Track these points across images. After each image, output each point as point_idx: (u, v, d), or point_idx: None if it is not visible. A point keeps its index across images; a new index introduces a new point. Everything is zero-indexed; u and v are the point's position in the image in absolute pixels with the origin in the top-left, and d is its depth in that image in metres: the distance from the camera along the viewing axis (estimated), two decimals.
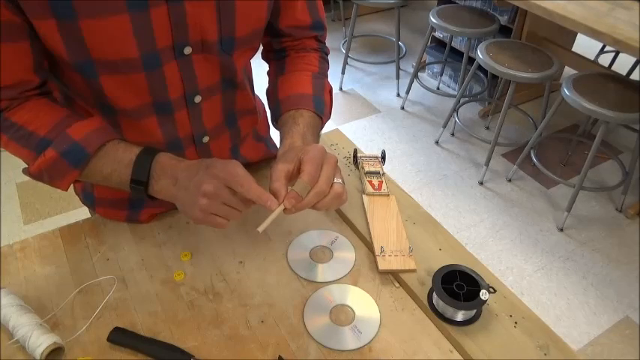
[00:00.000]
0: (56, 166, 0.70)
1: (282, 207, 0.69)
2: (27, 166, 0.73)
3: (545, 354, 0.74)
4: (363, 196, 0.99)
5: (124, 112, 0.77)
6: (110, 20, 0.63)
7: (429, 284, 0.82)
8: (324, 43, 0.94)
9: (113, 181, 0.73)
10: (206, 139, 0.88)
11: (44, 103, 0.72)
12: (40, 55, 0.68)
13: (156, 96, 0.76)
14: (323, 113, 0.86)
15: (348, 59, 3.14)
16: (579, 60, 2.63)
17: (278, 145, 0.82)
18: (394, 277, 0.85)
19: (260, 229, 0.69)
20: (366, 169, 1.03)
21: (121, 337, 0.73)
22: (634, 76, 2.90)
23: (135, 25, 0.65)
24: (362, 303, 0.81)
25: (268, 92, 0.92)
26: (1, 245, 0.88)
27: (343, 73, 3.16)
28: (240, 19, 0.74)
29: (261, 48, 0.93)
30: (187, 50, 0.72)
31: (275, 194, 0.69)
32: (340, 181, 0.72)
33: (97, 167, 0.72)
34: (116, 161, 0.72)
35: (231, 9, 0.72)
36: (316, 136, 0.82)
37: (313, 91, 0.85)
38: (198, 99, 0.80)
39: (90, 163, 0.72)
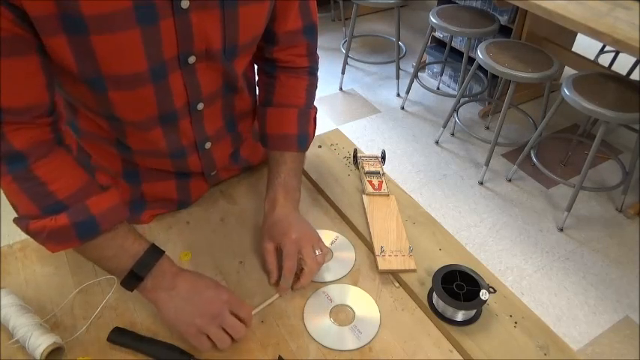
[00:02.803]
0: (63, 232, 0.69)
1: (277, 295, 0.81)
2: (18, 216, 0.70)
3: (545, 354, 0.74)
4: (363, 196, 0.99)
5: (131, 123, 0.78)
6: (121, 35, 0.62)
7: (429, 284, 0.82)
8: (315, 52, 0.92)
9: (109, 263, 0.73)
10: (208, 145, 0.88)
11: (68, 163, 0.71)
12: (50, 73, 0.66)
13: (162, 107, 0.75)
14: (305, 147, 0.93)
15: (348, 59, 3.14)
16: (579, 60, 2.63)
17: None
18: (394, 277, 0.85)
19: (254, 312, 0.78)
20: (366, 169, 1.03)
21: (121, 337, 0.74)
22: (634, 76, 2.90)
23: (145, 39, 0.64)
24: (362, 303, 0.81)
25: (257, 114, 0.95)
26: (1, 245, 0.88)
27: (343, 73, 3.16)
28: (243, 28, 0.74)
29: None
30: (192, 59, 0.72)
31: (269, 275, 0.83)
32: (318, 251, 0.82)
33: (100, 245, 0.72)
34: (122, 249, 0.72)
35: (235, 18, 0.71)
36: (298, 173, 0.91)
37: (298, 130, 0.90)
38: (200, 106, 0.80)
39: (95, 239, 0.71)
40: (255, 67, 0.95)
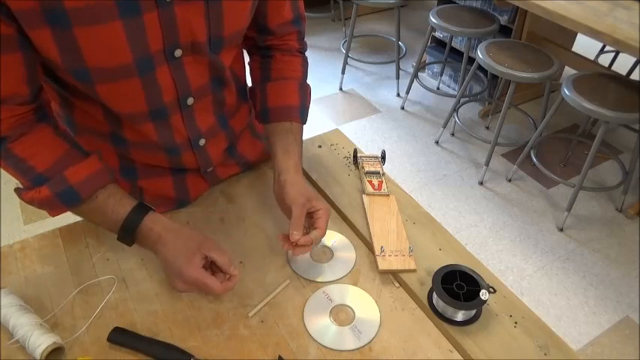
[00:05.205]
0: (49, 202, 0.74)
1: (287, 282, 0.83)
2: (20, 186, 0.77)
3: (545, 354, 0.74)
4: (363, 196, 0.99)
5: (124, 115, 0.78)
6: (103, 27, 0.63)
7: (429, 284, 0.82)
8: (304, 38, 0.97)
9: (102, 226, 0.80)
10: (202, 141, 0.88)
11: (46, 136, 0.74)
12: (33, 67, 0.68)
13: (151, 102, 0.76)
14: (306, 119, 0.94)
15: (348, 59, 3.14)
16: (579, 60, 2.63)
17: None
18: (394, 277, 0.85)
19: (251, 314, 0.78)
20: (366, 169, 1.03)
21: (121, 337, 0.74)
22: (634, 76, 2.90)
23: (128, 31, 0.65)
24: (362, 303, 0.81)
25: (254, 93, 0.95)
26: (1, 245, 0.88)
27: (343, 73, 3.16)
28: (227, 19, 0.75)
29: None
30: (178, 53, 0.72)
31: (296, 231, 0.79)
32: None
33: (87, 211, 0.78)
34: (104, 217, 0.77)
35: (219, 10, 0.72)
36: (301, 153, 0.91)
37: (300, 102, 0.93)
38: (190, 101, 0.81)
39: (81, 206, 0.76)
40: (245, 53, 0.96)
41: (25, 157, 0.72)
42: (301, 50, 0.97)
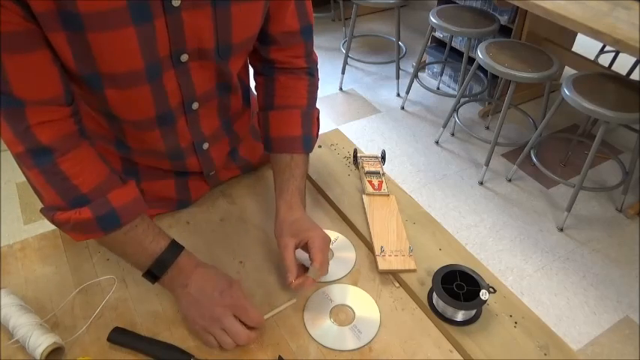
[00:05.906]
0: (87, 224, 0.72)
1: (293, 300, 0.80)
2: (44, 206, 0.74)
3: (545, 354, 0.74)
4: (363, 196, 0.99)
5: (129, 123, 0.78)
6: (117, 33, 0.63)
7: (429, 284, 0.82)
8: (312, 53, 0.92)
9: (130, 259, 0.78)
10: (206, 145, 0.88)
11: (89, 155, 0.73)
12: (61, 67, 0.67)
13: (158, 107, 0.76)
14: (310, 148, 0.92)
15: (348, 59, 3.14)
16: (579, 60, 2.63)
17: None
18: (394, 277, 0.85)
19: (267, 316, 0.77)
20: (366, 169, 1.04)
21: (121, 337, 0.74)
22: (634, 76, 2.90)
23: (140, 37, 0.65)
24: (362, 303, 0.81)
25: (259, 118, 0.93)
26: (1, 245, 0.88)
27: (343, 73, 3.16)
28: (236, 26, 0.74)
29: None
30: (184, 58, 0.72)
31: (289, 272, 0.78)
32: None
33: (121, 241, 0.75)
34: (141, 247, 0.75)
35: (228, 17, 0.72)
36: (305, 176, 0.90)
37: (303, 132, 0.90)
38: (195, 105, 0.80)
39: (115, 233, 0.74)
40: (252, 70, 0.94)
41: (70, 175, 0.70)
42: (308, 71, 0.91)
